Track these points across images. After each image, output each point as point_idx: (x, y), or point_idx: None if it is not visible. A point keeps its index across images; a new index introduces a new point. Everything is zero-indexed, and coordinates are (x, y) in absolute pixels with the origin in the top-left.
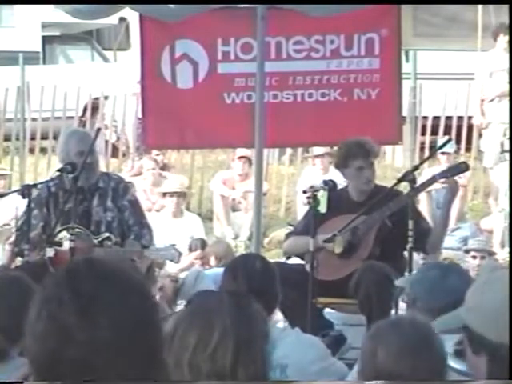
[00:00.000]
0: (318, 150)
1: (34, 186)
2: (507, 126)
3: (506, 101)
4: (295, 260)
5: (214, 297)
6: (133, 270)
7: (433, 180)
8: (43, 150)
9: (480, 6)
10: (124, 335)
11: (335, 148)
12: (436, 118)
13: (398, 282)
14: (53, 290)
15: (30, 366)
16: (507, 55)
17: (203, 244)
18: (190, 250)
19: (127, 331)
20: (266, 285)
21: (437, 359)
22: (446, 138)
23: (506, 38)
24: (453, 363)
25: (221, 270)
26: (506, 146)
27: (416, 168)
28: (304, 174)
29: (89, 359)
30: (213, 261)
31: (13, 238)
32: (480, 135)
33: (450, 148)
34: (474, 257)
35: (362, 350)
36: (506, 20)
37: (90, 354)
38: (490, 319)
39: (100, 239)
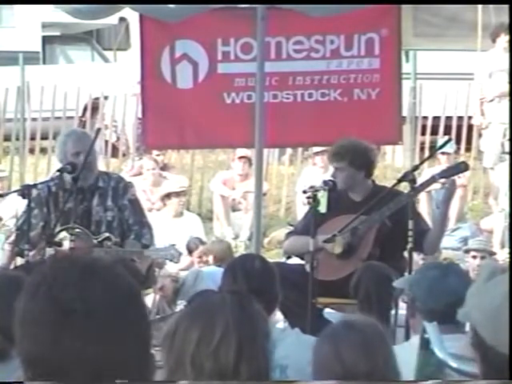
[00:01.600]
0: (317, 147)
1: (34, 185)
2: (507, 126)
3: (506, 101)
4: (295, 260)
5: (216, 296)
6: (118, 266)
7: (432, 180)
8: (43, 150)
9: (480, 6)
10: (110, 335)
11: None
12: (436, 118)
13: (396, 283)
14: (35, 292)
15: (21, 367)
16: (507, 55)
17: (201, 243)
18: (188, 248)
19: (113, 331)
20: (266, 285)
21: (383, 358)
22: (446, 138)
23: (506, 37)
24: (453, 363)
25: (219, 269)
26: (506, 147)
27: (416, 168)
28: (304, 174)
29: (76, 360)
30: (212, 260)
31: (13, 238)
32: (480, 135)
33: (450, 148)
34: (474, 257)
35: (318, 352)
36: (506, 20)
37: (74, 355)
38: (488, 320)
39: (100, 239)
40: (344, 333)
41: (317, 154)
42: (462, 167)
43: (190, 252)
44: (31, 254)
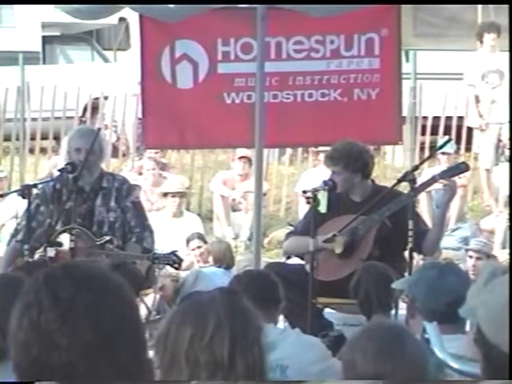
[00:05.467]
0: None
1: (34, 185)
2: (502, 126)
3: (500, 102)
4: (295, 260)
5: (206, 294)
6: (111, 271)
7: (433, 180)
8: (43, 150)
9: (480, 6)
10: (105, 337)
11: None
12: (436, 118)
13: (395, 285)
14: (32, 297)
15: (15, 373)
16: (495, 54)
17: (202, 237)
18: (187, 241)
19: (108, 333)
20: (268, 293)
21: (410, 360)
22: (446, 138)
23: (491, 36)
24: (453, 363)
25: (219, 269)
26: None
27: (416, 168)
28: (306, 175)
29: (72, 363)
30: (211, 260)
31: (20, 236)
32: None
33: (450, 148)
34: (476, 257)
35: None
36: (505, 19)
37: (72, 358)
38: (493, 318)
39: (102, 242)
40: (358, 338)
41: (322, 152)
42: (462, 167)
43: (188, 242)
44: (35, 253)
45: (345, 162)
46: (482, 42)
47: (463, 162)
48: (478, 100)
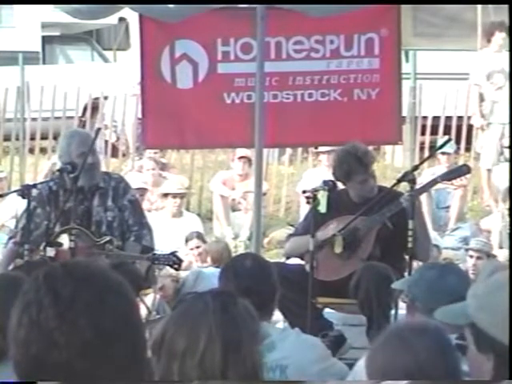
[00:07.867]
0: (323, 147)
1: (34, 186)
2: (504, 126)
3: (504, 102)
4: (295, 260)
5: (199, 300)
6: (111, 270)
7: (434, 182)
8: (43, 150)
9: (480, 6)
10: (105, 336)
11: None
12: (436, 118)
13: (395, 285)
14: (32, 296)
15: (14, 372)
16: (502, 54)
17: (201, 237)
18: (186, 239)
19: (108, 332)
20: (258, 284)
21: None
22: (446, 137)
23: (501, 35)
24: None
25: (219, 269)
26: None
27: (416, 168)
28: (307, 176)
29: (71, 362)
30: (210, 261)
31: (18, 238)
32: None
33: (450, 148)
34: (473, 256)
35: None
36: (505, 19)
37: (72, 356)
38: (503, 321)
39: (101, 242)
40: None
41: (323, 152)
42: (464, 170)
43: (187, 242)
44: (34, 253)
45: (374, 163)
46: (489, 41)
47: (465, 165)
48: (482, 99)
